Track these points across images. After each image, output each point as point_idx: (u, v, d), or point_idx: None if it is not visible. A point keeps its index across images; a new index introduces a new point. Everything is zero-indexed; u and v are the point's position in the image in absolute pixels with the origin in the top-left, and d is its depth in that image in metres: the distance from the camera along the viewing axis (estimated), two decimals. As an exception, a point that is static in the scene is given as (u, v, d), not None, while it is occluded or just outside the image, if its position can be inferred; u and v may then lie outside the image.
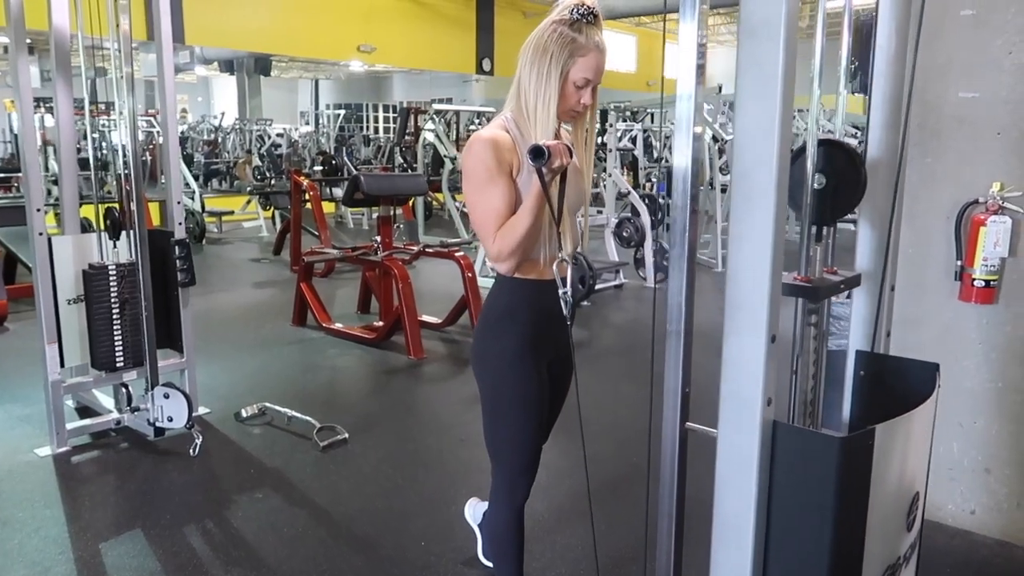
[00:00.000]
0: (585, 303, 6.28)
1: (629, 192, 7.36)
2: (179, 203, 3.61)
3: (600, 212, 7.66)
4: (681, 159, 1.48)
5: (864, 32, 3.10)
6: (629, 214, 7.36)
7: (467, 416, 3.92)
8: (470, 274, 5.28)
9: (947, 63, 2.64)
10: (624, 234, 7.28)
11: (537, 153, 1.64)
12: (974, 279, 2.58)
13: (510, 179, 1.81)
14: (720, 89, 8.01)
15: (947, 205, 2.70)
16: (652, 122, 10.70)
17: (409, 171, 11.30)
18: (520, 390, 1.91)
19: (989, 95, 2.57)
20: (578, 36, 1.78)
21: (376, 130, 22.67)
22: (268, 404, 3.83)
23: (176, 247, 3.57)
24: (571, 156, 1.71)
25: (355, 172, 11.71)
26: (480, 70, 16.09)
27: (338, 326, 5.41)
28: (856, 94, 3.17)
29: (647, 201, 7.35)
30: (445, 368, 4.79)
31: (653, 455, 1.52)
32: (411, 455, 3.40)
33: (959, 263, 2.63)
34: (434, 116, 9.54)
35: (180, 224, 3.59)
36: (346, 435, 3.54)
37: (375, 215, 11.81)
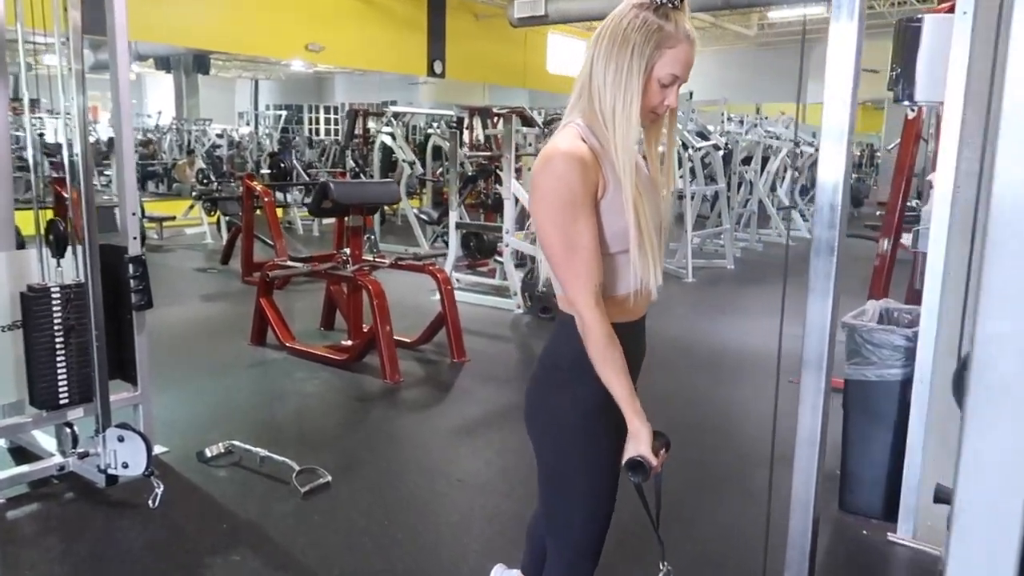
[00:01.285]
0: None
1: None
2: (134, 214, 3.15)
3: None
4: (830, 172, 1.17)
5: (908, 37, 2.87)
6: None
7: (461, 451, 3.55)
8: (448, 287, 4.91)
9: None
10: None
11: (635, 468, 1.43)
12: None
13: (595, 206, 1.48)
14: (691, 95, 7.84)
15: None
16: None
17: (362, 176, 10.82)
18: (595, 457, 1.57)
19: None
20: (665, 24, 1.45)
21: (318, 132, 22.00)
22: (236, 442, 3.39)
23: (131, 265, 3.11)
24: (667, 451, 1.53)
25: (307, 177, 11.19)
26: (432, 72, 15.68)
27: (303, 346, 4.97)
28: (900, 102, 2.92)
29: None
30: (425, 393, 4.40)
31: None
32: (405, 501, 3.02)
33: None
34: (392, 119, 9.12)
35: (135, 239, 3.13)
36: (328, 478, 3.13)
37: (325, 221, 11.35)
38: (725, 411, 4.28)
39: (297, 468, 3.14)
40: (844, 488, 3.02)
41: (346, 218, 5.03)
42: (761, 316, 6.36)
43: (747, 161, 10.52)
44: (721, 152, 8.82)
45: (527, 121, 9.80)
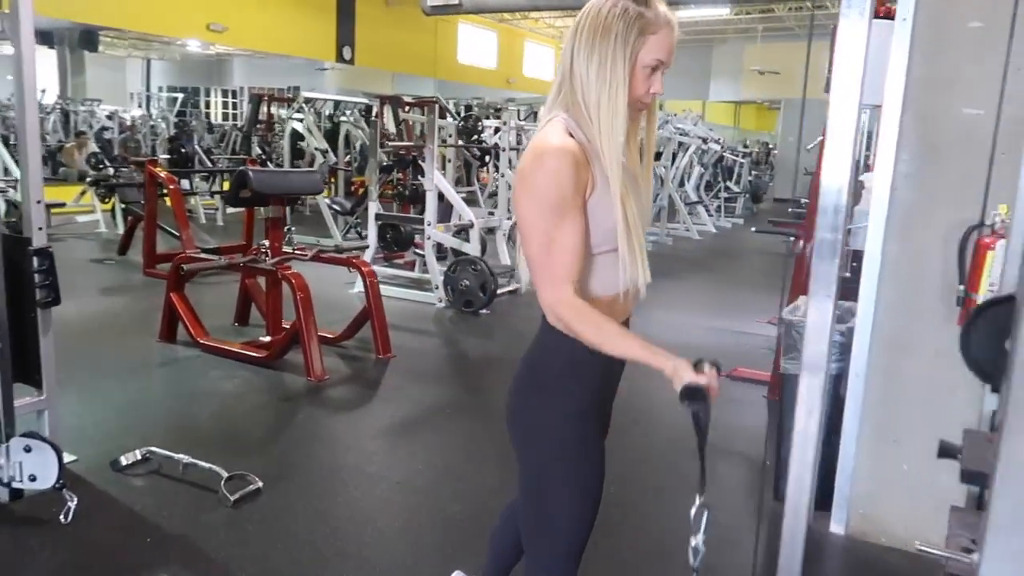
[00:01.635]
0: (484, 311, 5.93)
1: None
2: (39, 202, 2.87)
3: (492, 214, 7.32)
4: (835, 174, 1.16)
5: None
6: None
7: (398, 453, 3.44)
8: (373, 281, 4.76)
9: (951, 78, 2.51)
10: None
11: (693, 395, 1.30)
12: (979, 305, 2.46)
13: (584, 204, 1.42)
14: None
15: (945, 226, 2.57)
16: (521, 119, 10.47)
17: (269, 164, 10.40)
18: (580, 466, 1.53)
19: (995, 113, 2.46)
20: (646, 10, 1.42)
21: (216, 116, 21.06)
22: (154, 448, 3.16)
23: (35, 258, 2.84)
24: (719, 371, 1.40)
25: (211, 164, 10.66)
26: (340, 59, 15.26)
27: (217, 343, 4.70)
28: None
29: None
30: (354, 392, 4.25)
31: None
32: (345, 507, 2.89)
33: (961, 288, 2.51)
34: (303, 106, 8.79)
35: (40, 229, 2.86)
36: (259, 484, 2.96)
37: (229, 209, 10.84)
38: (665, 406, 4.33)
39: (225, 475, 2.96)
40: (779, 478, 3.09)
41: (262, 208, 4.80)
42: (682, 311, 6.50)
43: (656, 157, 10.73)
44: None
45: (443, 112, 9.68)
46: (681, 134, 11.09)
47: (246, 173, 4.45)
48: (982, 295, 2.47)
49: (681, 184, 11.66)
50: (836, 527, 2.85)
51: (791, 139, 19.32)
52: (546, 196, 1.39)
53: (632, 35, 1.41)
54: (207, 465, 3.01)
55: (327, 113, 13.67)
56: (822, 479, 2.98)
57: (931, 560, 1.41)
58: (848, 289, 3.28)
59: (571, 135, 1.44)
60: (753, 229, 8.69)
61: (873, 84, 2.77)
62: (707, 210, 12.51)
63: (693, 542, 1.45)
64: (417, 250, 7.07)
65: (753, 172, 16.45)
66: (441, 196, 6.28)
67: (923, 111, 2.55)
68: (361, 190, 9.30)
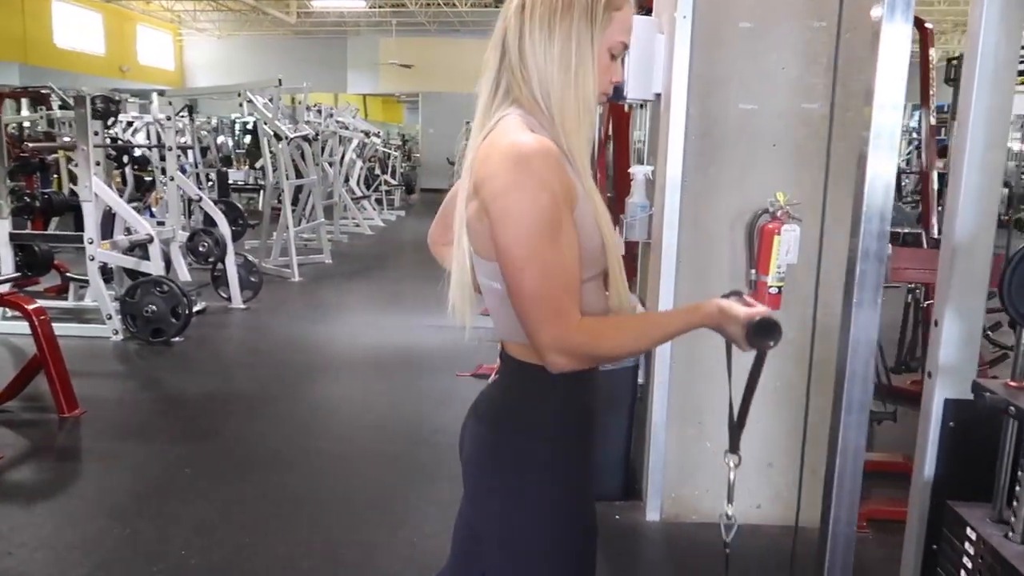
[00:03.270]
0: (177, 339, 5.08)
1: (201, 198, 6.18)
2: None
3: (162, 224, 6.29)
4: (880, 178, 1.07)
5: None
6: (203, 225, 6.20)
7: (142, 546, 2.69)
8: (44, 320, 3.72)
9: (728, 75, 2.64)
10: (201, 249, 6.10)
11: (769, 330, 1.08)
12: (769, 286, 2.65)
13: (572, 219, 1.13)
14: (280, 82, 7.25)
15: (731, 214, 2.73)
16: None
17: None
18: (572, 543, 1.24)
19: (766, 108, 2.65)
20: None
21: None
22: None
23: None
24: None
25: None
26: None
27: None
28: (613, 100, 3.01)
29: (224, 207, 6.28)
30: (43, 470, 3.27)
31: None
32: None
33: (753, 271, 2.68)
34: None
35: None
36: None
37: None
38: (409, 407, 4.09)
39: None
40: (585, 478, 3.07)
41: None
42: (397, 311, 6.29)
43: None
44: (316, 142, 8.45)
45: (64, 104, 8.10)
46: (343, 127, 10.75)
47: None
48: (771, 277, 2.67)
49: (347, 180, 11.34)
50: (652, 515, 2.90)
51: (432, 131, 20.02)
52: (537, 212, 1.07)
53: (599, 10, 1.14)
54: None
55: None
56: (627, 470, 3.03)
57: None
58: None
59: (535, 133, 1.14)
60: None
61: (641, 79, 2.84)
62: (372, 204, 12.39)
63: (729, 512, 1.26)
64: (71, 274, 5.81)
65: (407, 164, 16.72)
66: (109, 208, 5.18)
67: (705, 106, 2.66)
68: None
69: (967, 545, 1.25)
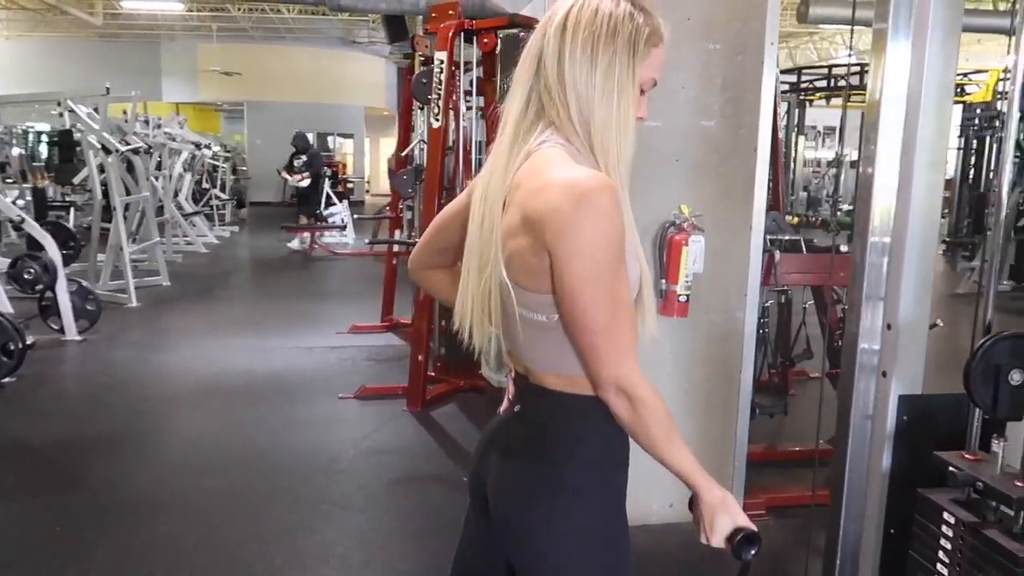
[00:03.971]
0: (9, 379, 4.52)
1: (23, 219, 5.52)
2: None
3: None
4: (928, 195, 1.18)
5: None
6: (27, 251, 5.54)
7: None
8: None
9: (635, 92, 2.74)
10: (27, 276, 5.44)
11: (751, 541, 1.14)
12: (679, 295, 2.78)
13: None
14: (108, 91, 6.62)
15: (640, 227, 2.81)
16: None
17: None
18: (623, 569, 1.24)
19: (669, 125, 2.78)
20: (650, 17, 1.18)
21: None
22: None
23: None
24: None
25: None
26: None
27: None
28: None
29: (51, 229, 5.65)
30: None
31: None
32: None
33: (663, 281, 2.79)
34: None
35: None
36: None
37: None
38: (295, 435, 3.88)
39: None
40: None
41: None
42: (245, 333, 5.95)
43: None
44: (151, 156, 7.80)
45: None
46: (171, 139, 10.02)
47: None
48: (680, 286, 2.80)
49: (175, 195, 10.57)
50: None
51: (259, 141, 19.15)
52: (606, 247, 1.08)
53: (641, 43, 1.15)
54: None
55: None
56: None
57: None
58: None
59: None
60: (367, 241, 9.04)
61: None
62: (203, 220, 11.64)
63: None
64: None
65: (234, 176, 15.84)
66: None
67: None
68: None
69: (944, 528, 1.38)
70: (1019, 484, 1.31)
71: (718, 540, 1.15)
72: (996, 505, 1.31)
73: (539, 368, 1.19)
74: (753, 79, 2.77)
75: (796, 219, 11.92)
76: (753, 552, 1.14)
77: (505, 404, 1.29)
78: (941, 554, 1.40)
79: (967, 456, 1.44)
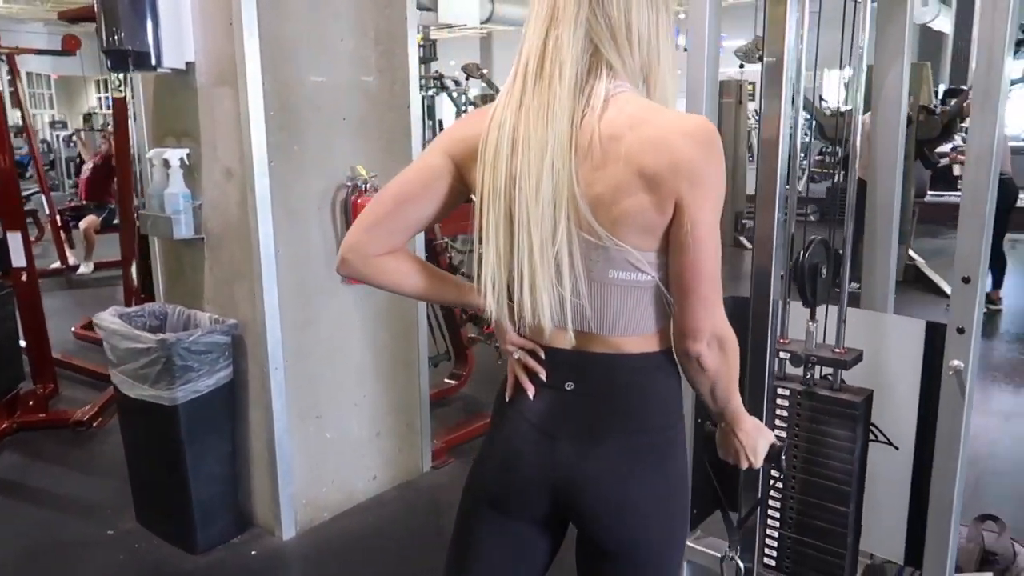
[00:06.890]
0: None
1: None
2: None
3: None
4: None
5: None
6: None
7: None
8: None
9: (296, 44, 2.44)
10: None
11: (779, 455, 1.27)
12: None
13: None
14: None
15: (319, 193, 2.58)
16: None
17: None
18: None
19: (333, 80, 2.56)
20: None
21: None
22: None
23: None
24: None
25: None
26: None
27: None
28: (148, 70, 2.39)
29: None
30: None
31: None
32: None
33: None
34: None
35: None
36: None
37: None
38: None
39: None
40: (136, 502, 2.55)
41: None
42: None
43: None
44: None
45: None
46: None
47: None
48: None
49: None
50: (288, 532, 2.63)
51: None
52: (722, 196, 1.05)
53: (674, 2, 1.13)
54: None
55: None
56: (233, 492, 2.65)
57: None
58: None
59: None
60: None
61: (175, 44, 2.42)
62: None
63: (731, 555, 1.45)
64: None
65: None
66: None
67: (280, 79, 2.41)
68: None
69: (779, 400, 1.71)
70: (837, 351, 1.71)
71: (760, 461, 1.23)
72: (822, 371, 1.70)
73: (618, 333, 1.10)
74: (400, 32, 2.72)
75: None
76: (780, 464, 1.27)
77: (535, 390, 1.15)
78: (778, 421, 1.73)
79: (782, 340, 1.77)
